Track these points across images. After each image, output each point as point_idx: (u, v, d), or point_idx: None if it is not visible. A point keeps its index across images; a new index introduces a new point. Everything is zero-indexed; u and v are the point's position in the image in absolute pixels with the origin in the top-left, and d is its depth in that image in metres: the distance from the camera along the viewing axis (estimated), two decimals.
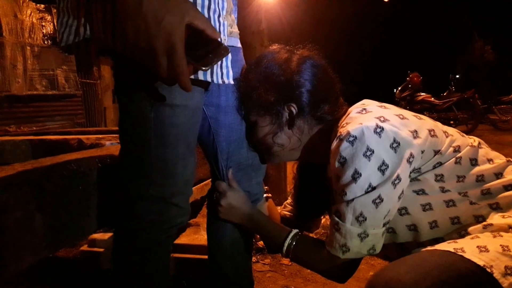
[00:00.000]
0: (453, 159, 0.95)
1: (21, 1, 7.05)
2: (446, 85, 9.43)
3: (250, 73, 1.07)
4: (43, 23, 7.38)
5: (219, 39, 0.73)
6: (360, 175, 0.88)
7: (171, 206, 0.92)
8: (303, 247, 1.04)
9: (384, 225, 0.92)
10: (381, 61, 26.50)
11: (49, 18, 7.47)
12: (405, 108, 6.99)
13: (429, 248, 0.88)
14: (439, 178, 0.95)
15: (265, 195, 1.24)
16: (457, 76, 15.85)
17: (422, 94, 8.63)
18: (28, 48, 7.06)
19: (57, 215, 0.93)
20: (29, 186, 0.88)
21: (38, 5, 7.49)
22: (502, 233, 0.87)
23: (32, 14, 7.26)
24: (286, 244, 1.05)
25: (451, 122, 8.16)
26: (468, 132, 7.74)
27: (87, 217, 1.01)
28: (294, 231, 1.07)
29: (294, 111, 1.04)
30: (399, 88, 8.99)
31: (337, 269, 0.97)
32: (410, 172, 0.93)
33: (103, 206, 1.05)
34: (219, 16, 0.86)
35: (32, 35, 7.16)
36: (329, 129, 1.05)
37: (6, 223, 0.81)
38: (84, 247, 2.10)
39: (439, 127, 1.00)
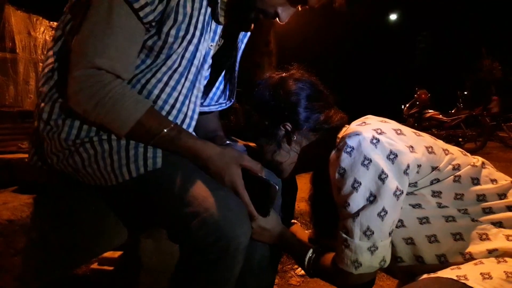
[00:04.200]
0: (452, 177, 0.97)
1: (34, 19, 7.22)
2: (454, 102, 9.40)
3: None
4: None
5: (266, 179, 1.01)
6: (360, 184, 0.91)
7: None
8: (321, 263, 1.07)
9: (389, 234, 0.94)
10: (390, 77, 26.54)
11: None
12: (413, 124, 7.02)
13: (432, 275, 0.89)
14: (436, 194, 0.96)
15: (292, 220, 1.31)
16: (465, 92, 15.79)
17: (430, 111, 8.60)
18: (41, 64, 7.19)
19: (72, 236, 0.95)
20: (44, 207, 0.90)
21: (51, 22, 7.68)
22: (506, 259, 0.88)
23: (45, 31, 7.42)
24: (306, 260, 1.10)
25: (460, 139, 8.10)
26: (477, 150, 7.66)
27: (100, 237, 1.03)
28: (314, 247, 1.11)
29: (289, 128, 1.11)
30: (407, 105, 8.97)
31: (354, 284, 0.99)
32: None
33: (116, 226, 1.07)
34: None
35: (45, 52, 7.29)
36: (329, 138, 1.10)
37: (21, 243, 0.83)
38: (94, 265, 2.11)
39: (438, 144, 1.02)
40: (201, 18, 1.03)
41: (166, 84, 1.03)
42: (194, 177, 0.95)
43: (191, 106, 1.11)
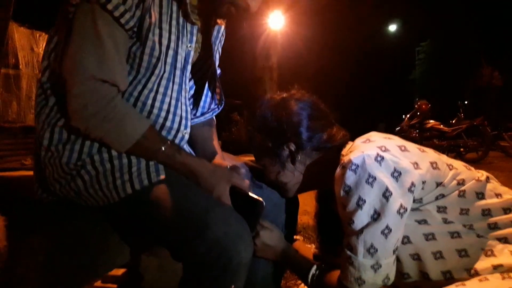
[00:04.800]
0: (457, 192, 0.97)
1: (37, 35, 7.31)
2: (454, 112, 9.41)
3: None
4: None
5: (253, 195, 1.03)
6: (365, 201, 0.92)
7: None
8: (324, 280, 1.08)
9: (394, 252, 0.94)
10: (390, 88, 26.63)
11: None
12: (414, 135, 7.00)
13: None
14: (442, 209, 0.97)
15: (295, 237, 1.33)
16: (466, 102, 15.83)
17: (431, 121, 8.60)
18: None
19: (77, 256, 0.96)
20: (52, 228, 0.91)
21: None
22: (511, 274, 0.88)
23: None
24: (310, 277, 1.12)
25: (461, 149, 8.09)
26: (479, 159, 7.65)
27: (104, 257, 1.04)
28: (318, 264, 1.13)
29: (293, 148, 1.13)
30: (408, 116, 8.98)
31: None
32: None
33: (119, 245, 1.08)
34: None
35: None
36: (332, 156, 1.11)
37: (29, 266, 0.84)
38: (98, 283, 2.11)
39: (442, 160, 1.03)
40: (173, 22, 1.05)
41: (157, 92, 1.05)
42: (194, 194, 0.97)
43: (183, 107, 1.14)
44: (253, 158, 1.29)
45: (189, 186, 0.99)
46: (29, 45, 7.09)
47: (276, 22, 8.39)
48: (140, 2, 0.97)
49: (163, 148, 0.99)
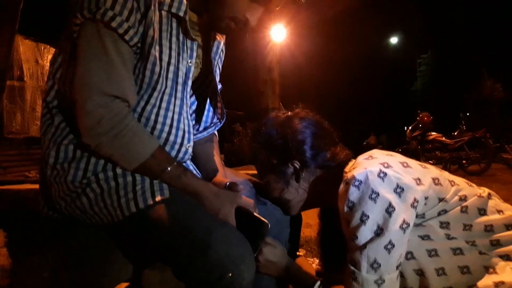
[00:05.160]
0: (459, 207, 0.99)
1: (42, 47, 7.41)
2: (456, 124, 9.42)
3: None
4: None
5: (258, 216, 1.05)
6: (368, 217, 0.93)
7: None
8: None
9: (397, 267, 0.95)
10: (392, 100, 26.70)
11: None
12: (416, 147, 6.99)
13: None
14: (445, 225, 0.98)
15: (298, 253, 1.34)
16: (468, 113, 15.83)
17: (433, 133, 8.59)
18: None
19: (82, 272, 0.97)
20: (56, 245, 0.92)
21: None
22: None
23: None
24: None
25: (464, 161, 8.07)
26: (482, 172, 7.63)
27: (109, 273, 1.05)
28: (321, 280, 1.13)
29: (297, 166, 1.14)
30: (410, 128, 8.98)
31: None
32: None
33: (123, 261, 1.08)
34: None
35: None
36: (335, 174, 1.12)
37: (34, 282, 0.85)
38: None
39: (444, 176, 1.04)
40: (173, 39, 1.07)
41: (160, 107, 1.07)
42: (197, 213, 0.97)
43: (186, 122, 1.15)
44: (255, 172, 1.30)
45: (193, 205, 1.00)
46: (34, 57, 7.17)
47: (278, 36, 8.45)
48: (142, 18, 0.99)
49: (169, 168, 1.00)
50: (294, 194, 1.17)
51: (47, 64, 7.38)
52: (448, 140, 8.36)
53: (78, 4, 0.95)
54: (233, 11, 1.08)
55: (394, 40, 28.49)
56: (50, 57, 7.57)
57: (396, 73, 26.17)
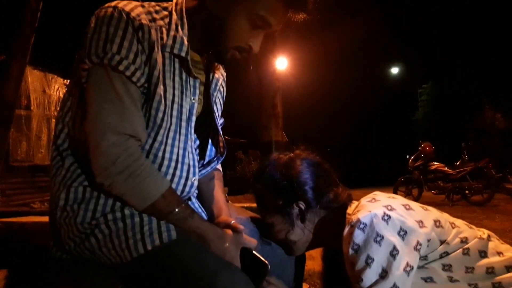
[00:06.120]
0: (460, 250, 1.01)
1: (50, 77, 7.56)
2: (458, 153, 9.43)
3: (257, 183, 1.23)
4: None
5: (259, 257, 1.07)
6: (373, 260, 0.95)
7: None
8: None
9: None
10: (393, 129, 26.80)
11: None
12: (419, 177, 6.99)
13: None
14: (447, 268, 1.00)
15: None
16: (470, 143, 15.85)
17: (435, 163, 8.60)
18: (53, 120, 7.45)
19: None
20: (65, 286, 0.94)
21: (65, 80, 8.03)
22: None
23: (59, 88, 7.74)
24: None
25: (467, 191, 8.04)
26: (485, 202, 7.58)
27: None
28: None
29: (302, 207, 1.16)
30: (412, 157, 9.00)
31: None
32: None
33: None
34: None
35: (58, 108, 7.57)
36: (338, 215, 1.15)
37: None
38: None
39: (445, 218, 1.07)
40: (176, 78, 1.11)
41: (166, 143, 1.09)
42: (203, 255, 0.99)
43: (191, 156, 1.18)
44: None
45: (199, 247, 1.02)
46: (42, 87, 7.31)
47: (282, 68, 8.59)
48: (147, 60, 1.04)
49: (177, 210, 1.02)
50: (299, 235, 1.18)
51: (54, 94, 7.52)
52: (450, 170, 8.35)
53: (85, 51, 1.00)
54: (236, 41, 1.11)
55: (395, 70, 28.90)
56: (57, 86, 7.72)
57: (397, 103, 26.36)
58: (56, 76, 7.64)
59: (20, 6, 3.32)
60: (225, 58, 1.15)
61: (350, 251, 0.99)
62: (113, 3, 1.03)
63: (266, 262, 1.07)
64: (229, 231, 1.09)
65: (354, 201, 1.18)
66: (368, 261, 0.95)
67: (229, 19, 1.08)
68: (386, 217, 0.97)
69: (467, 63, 20.56)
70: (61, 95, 7.70)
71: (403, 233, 0.97)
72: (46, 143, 7.27)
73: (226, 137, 1.41)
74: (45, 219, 2.06)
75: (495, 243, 1.06)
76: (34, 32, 3.38)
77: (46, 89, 7.37)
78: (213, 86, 1.29)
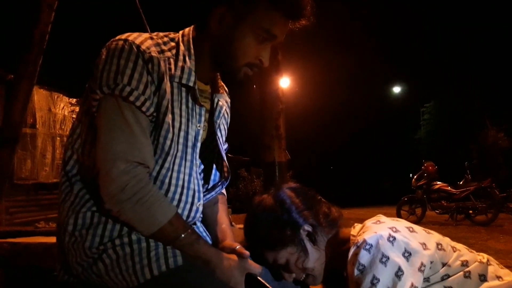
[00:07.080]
0: (462, 272, 1.03)
1: (55, 96, 7.65)
2: (462, 173, 9.41)
3: (254, 232, 1.21)
4: (74, 115, 7.91)
5: (263, 282, 1.09)
6: (379, 280, 0.96)
7: None
8: None
9: None
10: (396, 147, 26.81)
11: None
12: (422, 196, 6.97)
13: None
14: None
15: None
16: (473, 161, 15.81)
17: (439, 183, 8.58)
18: (58, 138, 7.52)
19: None
20: None
21: (70, 99, 8.13)
22: None
23: (64, 107, 7.83)
24: None
25: (470, 211, 8.00)
26: (489, 222, 7.54)
27: None
28: None
29: (310, 229, 1.17)
30: (415, 177, 8.99)
31: None
32: None
33: None
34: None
35: (63, 126, 7.68)
36: (337, 236, 1.18)
37: None
38: None
39: (446, 241, 1.10)
40: (183, 107, 1.14)
41: (172, 170, 1.12)
42: (209, 281, 1.01)
43: (195, 181, 1.20)
44: None
45: (204, 273, 1.03)
46: (47, 105, 7.39)
47: (285, 87, 8.69)
48: (156, 90, 1.07)
49: (183, 235, 1.04)
50: (315, 258, 1.16)
51: (59, 112, 7.60)
52: (453, 190, 8.31)
53: (96, 82, 1.03)
54: (246, 58, 1.14)
55: (397, 89, 29.08)
56: (62, 105, 7.81)
57: (400, 122, 26.45)
58: (61, 95, 7.73)
59: (30, 28, 3.39)
60: (238, 77, 1.18)
61: (356, 272, 1.00)
62: (123, 36, 1.07)
63: (270, 287, 1.08)
64: (234, 257, 1.10)
65: (355, 224, 1.20)
66: (374, 282, 0.97)
67: (236, 38, 1.11)
68: (391, 239, 1.00)
69: (469, 82, 20.64)
70: (66, 113, 7.78)
71: (407, 254, 0.99)
72: (51, 161, 7.32)
73: (229, 154, 1.43)
74: (50, 239, 2.09)
75: (494, 267, 1.08)
76: (42, 53, 3.44)
77: (52, 108, 7.46)
78: (216, 113, 1.32)
